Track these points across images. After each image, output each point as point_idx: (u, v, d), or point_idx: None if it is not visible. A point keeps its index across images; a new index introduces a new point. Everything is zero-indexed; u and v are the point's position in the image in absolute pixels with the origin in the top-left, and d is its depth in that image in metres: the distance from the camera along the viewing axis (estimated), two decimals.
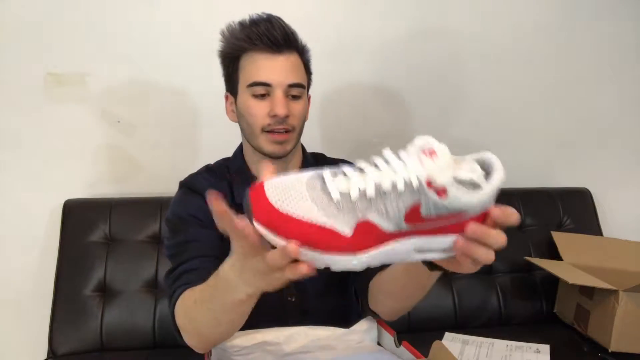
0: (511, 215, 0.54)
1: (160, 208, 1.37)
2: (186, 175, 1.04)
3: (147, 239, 1.36)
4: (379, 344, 0.92)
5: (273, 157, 0.92)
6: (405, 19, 1.55)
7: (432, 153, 0.51)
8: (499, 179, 0.52)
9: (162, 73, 1.45)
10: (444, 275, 0.65)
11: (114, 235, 1.36)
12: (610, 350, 1.25)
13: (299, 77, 0.91)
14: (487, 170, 0.53)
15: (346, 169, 0.53)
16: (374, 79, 1.58)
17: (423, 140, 0.52)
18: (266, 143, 0.91)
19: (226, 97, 0.98)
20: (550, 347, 1.27)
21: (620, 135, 1.77)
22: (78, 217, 1.36)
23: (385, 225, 0.51)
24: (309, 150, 1.07)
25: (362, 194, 0.50)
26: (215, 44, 0.95)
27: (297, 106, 0.91)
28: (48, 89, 1.40)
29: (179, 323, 0.79)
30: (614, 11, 1.68)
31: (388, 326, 0.91)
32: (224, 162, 1.04)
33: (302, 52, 0.93)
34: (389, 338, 0.88)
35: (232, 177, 0.99)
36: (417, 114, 1.62)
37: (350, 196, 0.50)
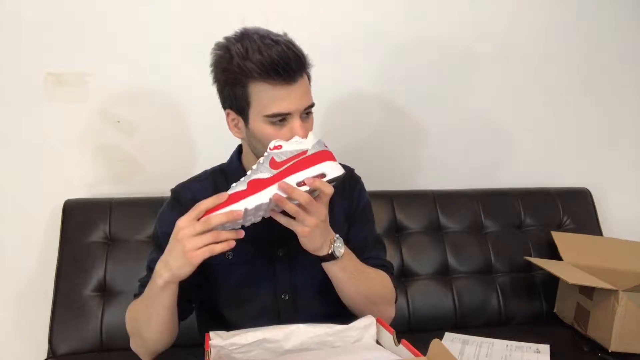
0: (322, 185, 0.81)
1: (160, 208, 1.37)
2: (186, 174, 1.05)
3: (147, 239, 1.36)
4: (377, 342, 0.92)
5: None
6: (406, 22, 1.56)
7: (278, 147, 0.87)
8: (313, 138, 0.88)
9: (162, 73, 1.45)
10: (329, 259, 0.88)
11: (114, 235, 1.36)
12: (610, 350, 1.25)
13: (311, 98, 0.92)
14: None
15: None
16: (374, 82, 1.58)
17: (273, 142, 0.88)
18: None
19: (227, 114, 0.95)
20: (550, 347, 1.27)
21: (620, 135, 1.77)
22: (78, 217, 1.36)
23: (262, 175, 0.83)
24: None
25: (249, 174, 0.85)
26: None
27: (309, 125, 0.93)
28: (48, 89, 1.40)
29: (128, 327, 0.93)
30: (614, 11, 1.69)
31: (387, 324, 0.92)
32: (220, 167, 1.05)
33: (308, 69, 0.92)
34: (388, 336, 0.88)
35: (229, 182, 0.98)
36: (417, 115, 1.62)
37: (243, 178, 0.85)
